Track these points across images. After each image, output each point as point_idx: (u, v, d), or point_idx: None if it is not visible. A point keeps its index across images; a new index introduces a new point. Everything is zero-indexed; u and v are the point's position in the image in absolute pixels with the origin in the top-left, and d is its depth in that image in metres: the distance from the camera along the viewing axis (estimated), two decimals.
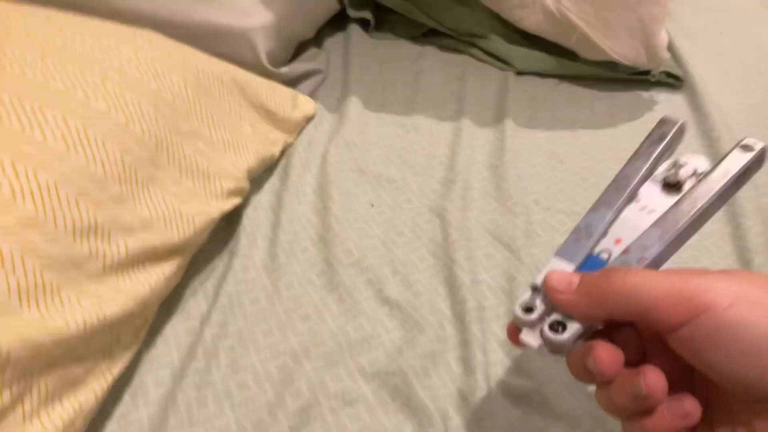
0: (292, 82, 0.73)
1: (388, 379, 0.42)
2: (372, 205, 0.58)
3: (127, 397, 0.42)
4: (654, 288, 0.25)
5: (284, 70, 0.71)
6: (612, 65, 0.76)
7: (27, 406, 0.34)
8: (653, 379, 0.25)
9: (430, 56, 0.83)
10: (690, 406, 0.26)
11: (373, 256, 0.52)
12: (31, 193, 0.36)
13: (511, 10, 0.76)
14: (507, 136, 0.65)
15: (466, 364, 0.43)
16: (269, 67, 0.69)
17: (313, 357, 0.44)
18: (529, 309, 0.29)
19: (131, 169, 0.43)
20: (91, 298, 0.38)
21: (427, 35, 0.86)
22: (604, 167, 0.63)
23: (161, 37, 0.55)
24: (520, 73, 0.79)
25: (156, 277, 0.43)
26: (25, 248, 0.35)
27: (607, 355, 0.27)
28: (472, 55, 0.82)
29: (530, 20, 0.75)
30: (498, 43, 0.80)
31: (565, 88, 0.76)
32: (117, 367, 0.40)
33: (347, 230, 0.54)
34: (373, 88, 0.75)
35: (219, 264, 0.52)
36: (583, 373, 0.28)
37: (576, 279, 0.28)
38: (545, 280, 0.29)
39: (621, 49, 0.72)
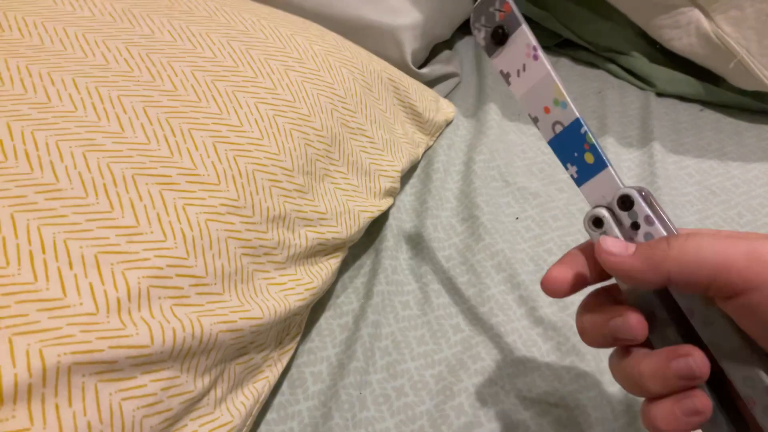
0: (429, 83, 0.72)
1: (550, 410, 0.41)
2: (517, 218, 0.56)
3: (285, 388, 0.42)
4: (725, 248, 0.23)
5: (425, 71, 0.70)
6: (760, 95, 0.72)
7: (219, 391, 0.34)
8: (701, 358, 0.24)
9: (565, 68, 0.81)
10: (700, 403, 0.24)
11: (525, 272, 0.50)
12: (233, 178, 0.37)
13: (661, 29, 0.73)
14: (656, 161, 0.62)
15: (631, 401, 0.41)
16: (412, 66, 0.68)
17: (471, 372, 0.43)
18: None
19: (311, 162, 0.43)
20: (277, 287, 0.38)
21: (560, 45, 0.84)
22: (758, 204, 0.59)
23: (327, 31, 0.55)
24: (659, 94, 0.75)
25: (326, 270, 0.43)
26: (228, 232, 0.35)
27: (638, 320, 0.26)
28: (609, 71, 0.79)
29: (681, 42, 0.72)
30: (640, 62, 0.77)
31: (710, 114, 0.73)
32: (286, 357, 0.40)
33: (497, 242, 0.52)
34: (508, 96, 0.73)
35: (366, 261, 0.52)
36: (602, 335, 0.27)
37: (632, 245, 0.27)
38: (597, 244, 0.27)
39: None
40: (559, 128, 0.30)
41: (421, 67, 0.72)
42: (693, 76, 0.75)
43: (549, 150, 0.65)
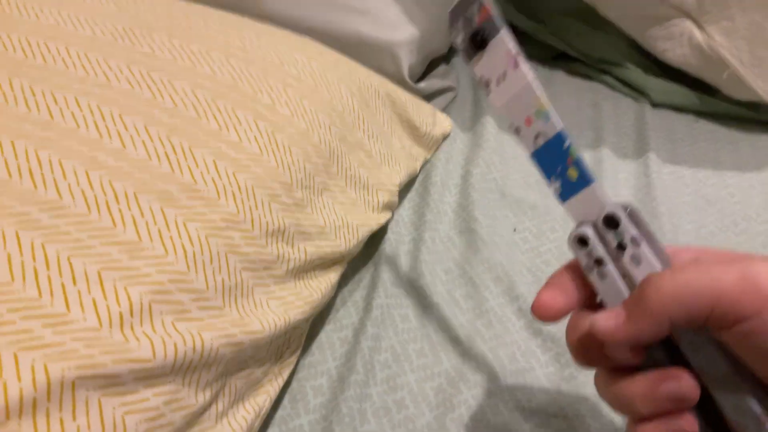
0: (426, 98, 0.73)
1: (550, 421, 0.41)
2: (515, 230, 0.57)
3: (286, 402, 0.42)
4: (715, 278, 0.23)
5: (422, 85, 0.71)
6: (754, 105, 0.72)
7: (220, 406, 0.34)
8: (690, 381, 0.24)
9: (560, 81, 0.82)
10: (688, 425, 0.25)
11: (523, 284, 0.51)
12: (233, 194, 0.37)
13: (655, 41, 0.74)
14: (652, 171, 0.63)
15: None
16: (409, 81, 0.69)
17: (471, 384, 0.43)
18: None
19: (310, 177, 0.44)
20: (277, 300, 0.38)
21: (555, 58, 0.85)
22: (754, 213, 0.60)
23: (324, 47, 0.56)
24: (654, 105, 0.76)
25: (325, 284, 0.43)
26: (228, 247, 0.35)
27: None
28: (604, 83, 0.80)
29: (674, 53, 0.73)
30: (634, 73, 0.78)
31: (705, 125, 0.73)
32: (287, 371, 0.41)
33: (495, 254, 0.53)
34: None
35: (365, 275, 0.52)
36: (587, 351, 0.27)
37: (621, 311, 0.25)
38: (592, 329, 0.26)
39: None
40: (541, 141, 0.28)
41: (418, 81, 0.73)
42: (687, 87, 0.75)
43: None
